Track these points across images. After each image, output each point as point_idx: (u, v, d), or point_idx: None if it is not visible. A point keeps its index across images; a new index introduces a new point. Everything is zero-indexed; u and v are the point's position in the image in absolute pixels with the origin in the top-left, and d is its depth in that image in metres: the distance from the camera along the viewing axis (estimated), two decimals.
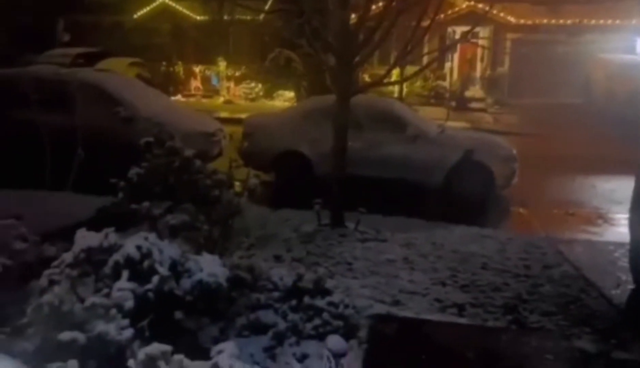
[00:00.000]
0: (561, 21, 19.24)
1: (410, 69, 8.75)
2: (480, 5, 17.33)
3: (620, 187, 8.16)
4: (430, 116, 14.42)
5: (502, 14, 19.08)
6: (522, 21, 19.50)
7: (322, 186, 6.24)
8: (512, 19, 19.38)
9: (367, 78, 16.08)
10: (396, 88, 17.05)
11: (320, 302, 3.27)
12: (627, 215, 5.38)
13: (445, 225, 6.28)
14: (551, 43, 19.35)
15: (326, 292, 3.35)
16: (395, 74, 12.56)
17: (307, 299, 3.28)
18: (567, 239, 6.25)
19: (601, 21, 18.92)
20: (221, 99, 19.01)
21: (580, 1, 19.07)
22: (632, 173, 5.25)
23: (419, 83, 19.40)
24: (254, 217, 6.07)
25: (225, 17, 20.01)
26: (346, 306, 3.35)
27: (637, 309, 4.33)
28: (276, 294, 3.39)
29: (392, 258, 4.95)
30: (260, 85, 19.38)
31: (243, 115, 10.51)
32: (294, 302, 3.32)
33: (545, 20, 19.44)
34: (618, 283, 4.79)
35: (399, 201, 7.47)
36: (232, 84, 20.06)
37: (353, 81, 5.68)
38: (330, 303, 3.29)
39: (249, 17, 19.76)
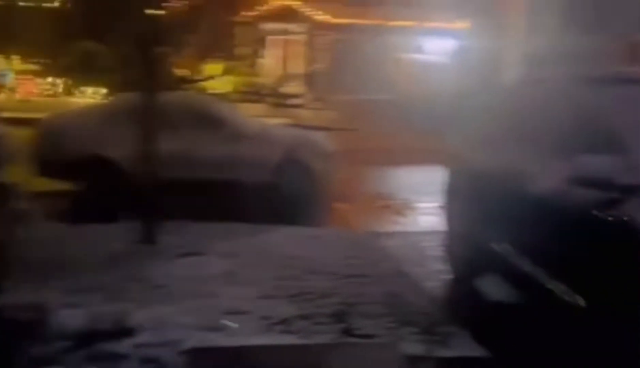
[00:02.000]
0: (370, 21, 20.48)
1: (227, 65, 8.33)
2: (293, 3, 17.61)
3: (429, 177, 8.76)
4: (251, 113, 14.20)
5: (316, 12, 19.64)
6: (334, 20, 20.31)
7: (136, 195, 5.51)
8: (325, 18, 20.06)
9: (184, 74, 15.28)
10: (218, 84, 16.51)
11: (123, 346, 2.69)
12: (435, 205, 5.68)
13: (271, 228, 5.99)
14: (362, 42, 20.49)
15: (129, 332, 2.77)
16: (212, 69, 12.08)
17: (104, 345, 2.67)
18: (388, 232, 6.43)
19: (405, 22, 20.63)
20: (15, 97, 16.54)
21: (385, 3, 20.52)
22: (437, 164, 5.52)
23: (239, 79, 19.09)
24: (49, 238, 5.14)
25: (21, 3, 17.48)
26: (157, 344, 2.82)
27: (455, 300, 4.51)
28: (65, 343, 2.72)
29: (214, 273, 4.49)
30: (58, 81, 17.27)
31: (41, 115, 9.07)
32: (88, 351, 2.69)
33: (355, 20, 20.50)
34: (437, 275, 4.96)
35: (221, 205, 7.02)
36: (27, 80, 17.59)
37: (161, 76, 5.07)
38: (138, 345, 2.73)
39: (46, 4, 17.51)
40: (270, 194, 7.56)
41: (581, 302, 3.10)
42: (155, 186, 5.20)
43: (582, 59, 22.34)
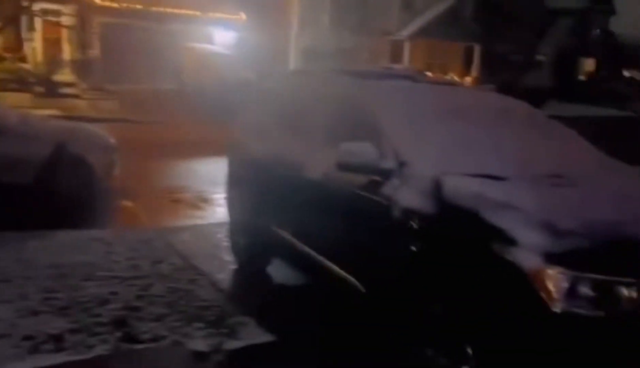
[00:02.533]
0: (146, 7, 19.49)
1: None
2: None
3: (216, 168, 8.72)
4: (12, 103, 12.46)
5: None
6: (107, 3, 18.86)
7: None
8: (97, 0, 18.52)
9: None
10: None
11: None
12: (224, 195, 5.67)
13: (41, 234, 5.31)
14: (141, 29, 19.43)
15: None
16: None
17: None
18: (174, 227, 6.19)
19: (183, 11, 20.15)
20: None
21: None
22: (224, 154, 5.51)
23: None
24: None
25: None
26: None
27: (244, 289, 4.55)
28: None
29: None
30: None
31: None
32: None
33: (131, 5, 19.33)
34: (224, 266, 4.94)
35: None
36: None
37: None
38: None
39: None
40: (40, 196, 6.68)
41: (356, 283, 3.35)
42: None
43: (351, 55, 24.65)
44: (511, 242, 2.42)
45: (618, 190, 2.90)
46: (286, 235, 4.15)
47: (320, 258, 3.71)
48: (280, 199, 4.22)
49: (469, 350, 2.54)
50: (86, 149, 7.23)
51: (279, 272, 4.76)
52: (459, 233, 2.70)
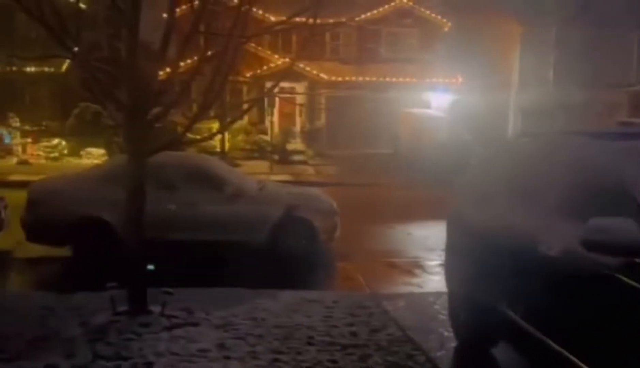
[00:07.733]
0: (367, 78, 20.93)
1: (225, 124, 8.31)
2: (295, 63, 17.99)
3: (432, 233, 8.50)
4: (254, 170, 14.16)
5: (314, 71, 19.96)
6: (333, 78, 20.63)
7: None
8: (324, 76, 20.37)
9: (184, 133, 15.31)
10: (218, 142, 16.55)
11: None
12: (440, 263, 5.39)
13: (270, 293, 5.69)
14: (360, 98, 20.74)
15: None
16: (212, 127, 12.11)
17: None
18: (391, 294, 6.10)
19: (400, 79, 21.04)
20: (15, 159, 16.58)
21: (380, 61, 21.06)
22: (441, 218, 5.26)
23: (240, 137, 19.19)
24: (34, 308, 4.90)
25: (15, 68, 17.74)
26: None
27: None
28: None
29: (205, 347, 4.18)
30: (63, 143, 17.35)
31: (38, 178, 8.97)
32: None
33: (353, 78, 20.89)
34: (442, 341, 4.63)
35: (219, 268, 6.78)
36: (29, 142, 17.70)
37: (150, 138, 4.91)
38: None
39: (48, 69, 17.86)
40: (270, 256, 7.30)
41: None
42: (141, 251, 4.88)
43: (577, 111, 22.40)
44: None
45: None
46: (515, 317, 3.70)
47: (560, 349, 3.19)
48: (508, 276, 3.81)
49: None
50: (312, 212, 7.74)
51: (505, 355, 4.27)
52: None
